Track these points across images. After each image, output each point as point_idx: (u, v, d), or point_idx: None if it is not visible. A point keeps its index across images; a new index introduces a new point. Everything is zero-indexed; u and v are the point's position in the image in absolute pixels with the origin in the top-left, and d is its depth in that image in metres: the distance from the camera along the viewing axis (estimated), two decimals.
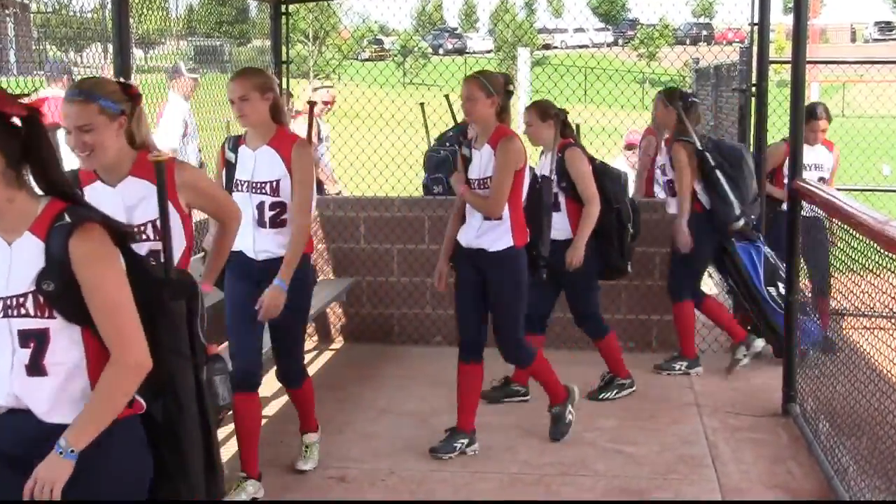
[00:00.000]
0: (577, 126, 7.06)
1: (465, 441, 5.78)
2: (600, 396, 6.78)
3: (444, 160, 7.67)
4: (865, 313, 5.31)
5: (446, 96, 7.59)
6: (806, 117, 6.84)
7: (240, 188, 5.06)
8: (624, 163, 9.84)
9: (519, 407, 6.62)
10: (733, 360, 7.42)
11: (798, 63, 6.29)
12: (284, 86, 8.47)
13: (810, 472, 5.49)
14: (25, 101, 2.78)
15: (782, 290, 6.93)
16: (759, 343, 7.40)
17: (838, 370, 5.56)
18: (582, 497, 5.23)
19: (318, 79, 27.33)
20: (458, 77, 11.23)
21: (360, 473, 5.51)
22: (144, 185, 3.73)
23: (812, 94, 30.33)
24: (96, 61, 8.79)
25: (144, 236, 3.80)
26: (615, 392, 6.82)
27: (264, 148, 5.03)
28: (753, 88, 7.92)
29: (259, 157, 5.04)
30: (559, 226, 6.47)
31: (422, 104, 7.56)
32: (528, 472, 5.55)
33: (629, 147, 9.76)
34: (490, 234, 5.64)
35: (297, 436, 5.63)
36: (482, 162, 5.63)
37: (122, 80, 3.97)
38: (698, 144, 7.15)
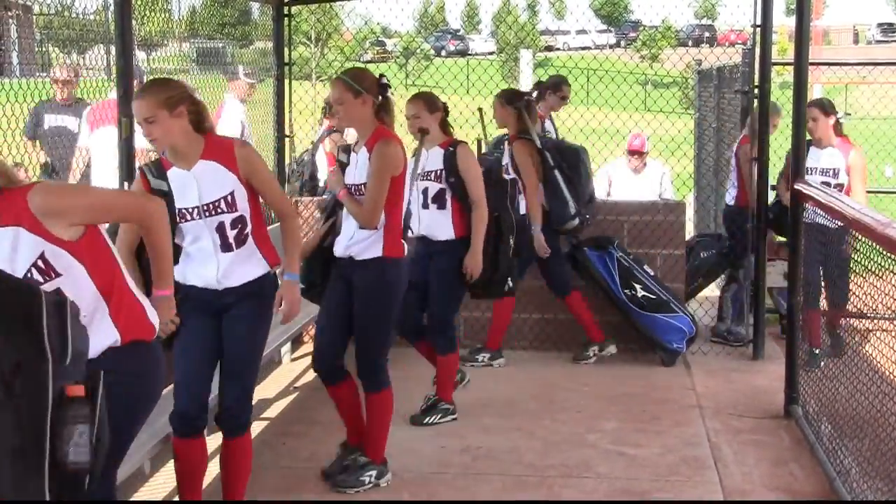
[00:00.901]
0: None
1: (374, 473, 5.34)
2: (424, 421, 6.30)
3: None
4: (868, 315, 5.30)
5: (479, 109, 7.59)
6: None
7: (188, 217, 4.41)
8: (625, 165, 9.84)
9: (521, 410, 6.61)
10: (582, 355, 7.65)
11: (800, 65, 6.30)
12: (287, 88, 8.49)
13: (812, 474, 5.49)
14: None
15: (640, 292, 7.44)
16: (612, 349, 7.67)
17: (840, 372, 5.56)
18: (584, 499, 5.22)
19: (321, 80, 27.33)
20: (461, 79, 11.23)
21: None
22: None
23: (815, 96, 30.34)
24: (99, 63, 8.80)
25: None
26: (439, 416, 6.32)
27: (201, 164, 4.39)
28: (756, 90, 7.92)
29: (200, 176, 4.39)
30: (442, 224, 6.13)
31: (480, 109, 7.55)
32: (530, 475, 5.55)
33: (632, 153, 9.75)
34: (362, 242, 5.16)
35: (298, 438, 5.62)
36: (358, 167, 5.20)
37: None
38: (538, 143, 7.25)
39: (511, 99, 7.38)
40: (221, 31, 14.22)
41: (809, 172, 7.04)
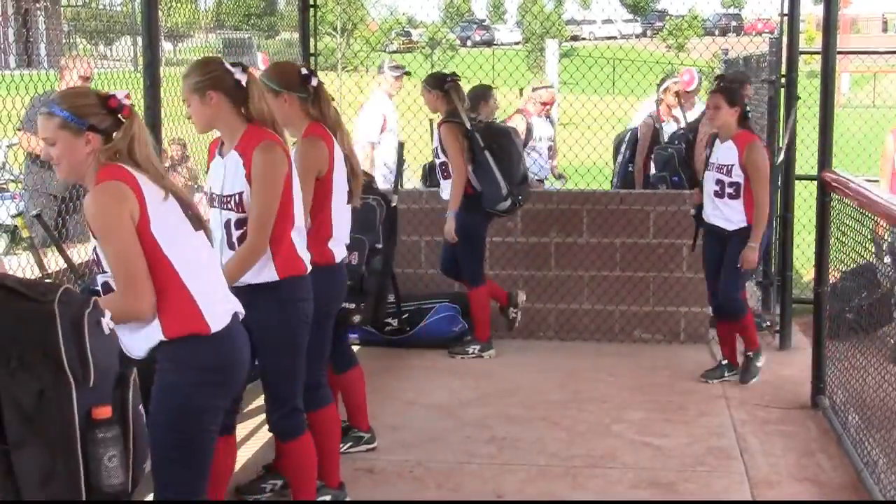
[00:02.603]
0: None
1: (328, 497, 4.86)
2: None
3: (670, 158, 8.09)
4: None
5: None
6: None
7: (211, 202, 4.30)
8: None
9: (546, 400, 6.61)
10: (462, 350, 7.56)
11: (828, 53, 6.25)
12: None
13: (839, 464, 5.47)
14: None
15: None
16: (491, 353, 7.55)
17: (868, 362, 5.53)
18: (610, 489, 5.23)
19: (347, 71, 27.30)
20: (486, 69, 11.21)
21: (387, 465, 5.52)
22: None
23: (842, 85, 30.13)
24: (125, 54, 8.84)
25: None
26: (349, 445, 5.60)
27: (232, 154, 4.18)
28: (783, 79, 7.87)
29: (227, 166, 4.20)
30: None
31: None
32: (555, 465, 5.55)
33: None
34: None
35: None
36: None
37: (110, 92, 3.44)
38: (468, 125, 7.22)
39: (435, 83, 7.38)
40: (247, 21, 14.27)
41: (709, 168, 6.78)
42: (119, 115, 3.39)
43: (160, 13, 5.88)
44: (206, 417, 3.50)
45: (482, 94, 8.31)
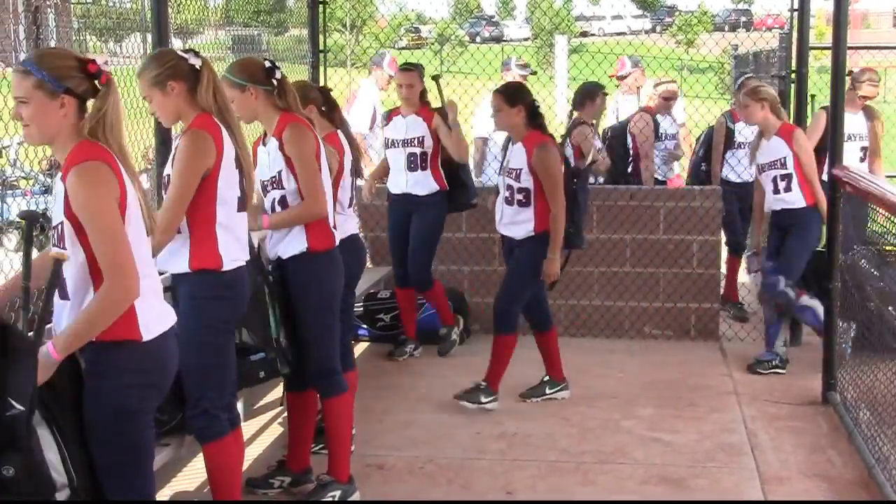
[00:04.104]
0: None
1: (339, 492, 4.92)
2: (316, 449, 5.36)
3: None
4: None
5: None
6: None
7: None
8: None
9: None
10: (402, 350, 7.49)
11: (838, 48, 6.24)
12: (322, 75, 8.51)
13: (850, 461, 5.46)
14: None
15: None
16: (419, 351, 7.52)
17: (880, 359, 5.52)
18: (620, 485, 5.23)
19: (356, 67, 27.30)
20: (496, 65, 11.22)
21: (398, 461, 5.53)
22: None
23: None
24: (135, 51, 8.86)
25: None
26: (321, 447, 5.35)
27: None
28: (793, 75, 7.86)
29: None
30: None
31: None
32: (566, 460, 5.55)
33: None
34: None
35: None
36: (270, 158, 4.73)
37: (89, 56, 3.34)
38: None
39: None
40: (256, 18, 14.27)
41: (500, 173, 6.60)
42: (96, 82, 3.26)
43: (170, 10, 5.88)
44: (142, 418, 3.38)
45: (590, 91, 8.02)
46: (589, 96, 7.98)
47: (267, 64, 4.69)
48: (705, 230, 7.85)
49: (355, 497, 4.96)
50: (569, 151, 7.66)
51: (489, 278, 7.89)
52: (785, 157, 6.85)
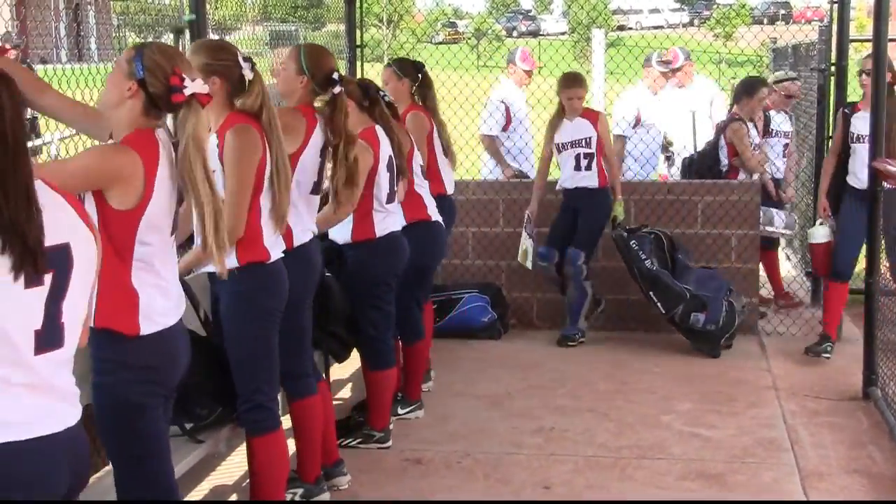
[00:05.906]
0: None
1: (301, 490, 4.79)
2: (344, 443, 5.46)
3: None
4: None
5: None
6: None
7: None
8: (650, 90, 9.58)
9: (593, 391, 6.60)
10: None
11: (879, 41, 6.18)
12: (359, 70, 8.53)
13: (891, 457, 5.42)
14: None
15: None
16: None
17: None
18: (658, 480, 5.21)
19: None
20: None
21: (435, 456, 5.54)
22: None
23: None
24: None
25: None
26: (358, 441, 5.60)
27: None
28: (832, 68, 7.79)
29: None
30: None
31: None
32: (604, 455, 5.54)
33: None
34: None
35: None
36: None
37: (185, 76, 3.29)
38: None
39: (405, 71, 6.42)
40: (294, 13, 14.32)
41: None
42: (172, 97, 3.24)
43: (208, 6, 5.92)
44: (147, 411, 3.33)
45: (748, 86, 7.82)
46: (747, 91, 7.79)
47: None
48: (744, 224, 7.80)
49: (323, 497, 4.83)
50: (723, 152, 7.81)
51: (527, 273, 7.88)
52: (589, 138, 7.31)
